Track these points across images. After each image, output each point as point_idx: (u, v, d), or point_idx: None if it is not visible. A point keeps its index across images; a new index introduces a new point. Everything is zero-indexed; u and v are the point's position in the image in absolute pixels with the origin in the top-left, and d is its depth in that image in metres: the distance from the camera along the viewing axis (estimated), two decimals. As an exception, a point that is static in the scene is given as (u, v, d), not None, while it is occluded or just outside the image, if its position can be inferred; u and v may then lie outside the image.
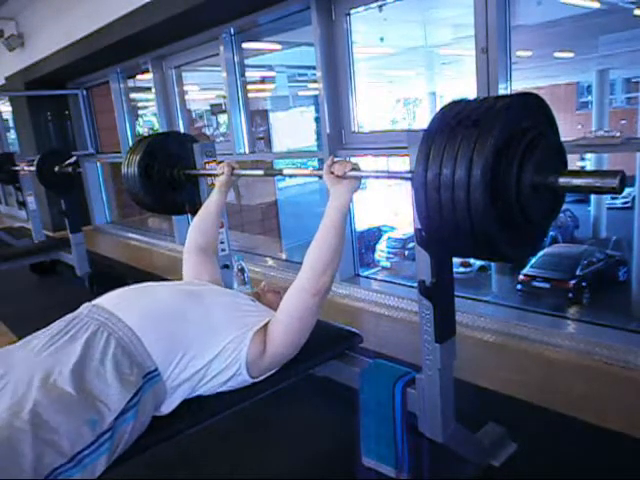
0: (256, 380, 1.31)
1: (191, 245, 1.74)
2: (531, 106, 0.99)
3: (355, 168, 1.33)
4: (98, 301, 1.29)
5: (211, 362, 1.24)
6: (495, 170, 0.89)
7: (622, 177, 0.84)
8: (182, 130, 4.56)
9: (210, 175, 1.95)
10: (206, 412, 1.25)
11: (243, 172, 1.86)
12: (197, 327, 1.26)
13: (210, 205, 1.81)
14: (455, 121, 0.93)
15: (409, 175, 0.97)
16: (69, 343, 1.14)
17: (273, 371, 1.35)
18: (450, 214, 0.91)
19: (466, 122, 0.91)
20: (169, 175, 2.08)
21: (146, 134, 6.20)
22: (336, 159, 1.37)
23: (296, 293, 1.31)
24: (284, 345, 1.32)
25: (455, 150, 0.89)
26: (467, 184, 0.87)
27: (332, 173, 1.34)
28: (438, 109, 1.01)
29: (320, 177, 1.39)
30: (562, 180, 0.92)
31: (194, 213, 2.04)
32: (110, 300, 1.29)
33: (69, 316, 1.24)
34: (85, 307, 1.27)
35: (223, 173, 1.80)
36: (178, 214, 2.29)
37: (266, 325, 1.32)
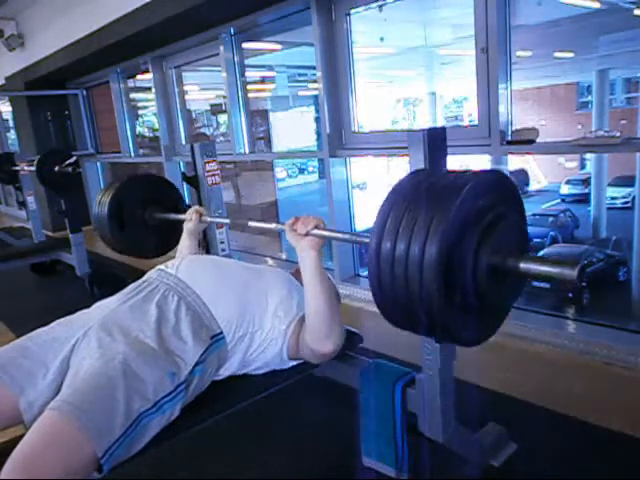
0: (292, 364, 1.40)
1: None
2: (494, 185, 0.95)
3: (318, 227, 1.29)
4: (164, 267, 1.41)
5: (267, 333, 1.34)
6: (451, 248, 0.84)
7: (581, 269, 0.82)
8: (182, 130, 4.56)
9: (180, 220, 1.90)
10: (205, 412, 1.25)
11: (210, 219, 1.85)
12: (257, 298, 1.36)
13: (183, 254, 1.78)
14: (415, 194, 0.90)
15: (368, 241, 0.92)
16: (142, 303, 1.28)
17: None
18: (403, 290, 0.87)
19: (426, 195, 0.88)
20: (141, 219, 2.07)
21: (146, 134, 6.20)
22: (300, 217, 1.33)
23: (313, 352, 1.33)
24: (310, 358, 1.39)
25: (412, 225, 0.85)
26: (421, 262, 0.83)
27: (294, 231, 1.31)
28: (401, 178, 0.96)
29: (284, 231, 1.36)
30: (522, 265, 0.88)
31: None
32: (177, 267, 1.39)
33: (140, 280, 1.38)
34: (154, 271, 1.41)
35: (191, 219, 1.79)
36: (153, 257, 2.25)
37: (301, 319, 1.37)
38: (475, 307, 0.91)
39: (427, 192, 0.89)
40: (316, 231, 1.30)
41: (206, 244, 2.14)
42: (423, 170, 0.97)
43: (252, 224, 1.65)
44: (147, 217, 2.07)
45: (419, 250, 0.84)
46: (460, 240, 0.86)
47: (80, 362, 1.15)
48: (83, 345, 1.19)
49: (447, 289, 0.85)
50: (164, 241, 2.13)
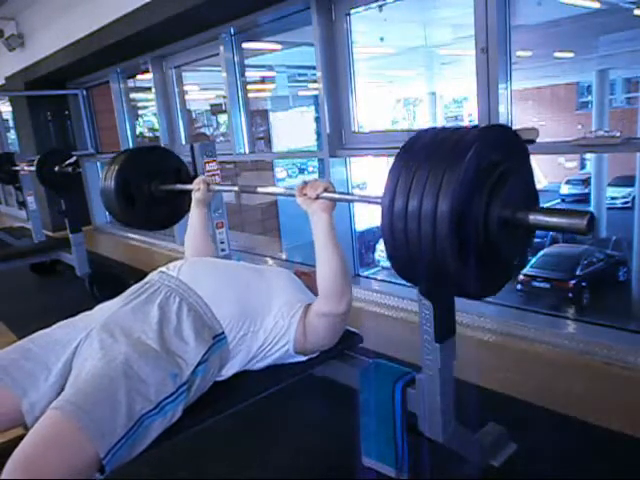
0: (302, 358, 1.41)
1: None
2: (503, 139, 0.96)
3: (328, 189, 1.32)
4: (165, 269, 1.40)
5: (269, 332, 1.34)
6: (463, 203, 0.86)
7: (590, 218, 0.84)
8: (182, 130, 4.56)
9: (186, 191, 1.90)
10: (206, 412, 1.25)
11: (218, 187, 1.85)
12: (259, 299, 1.36)
13: (193, 224, 1.80)
14: (425, 151, 0.92)
15: (379, 201, 0.94)
16: (144, 304, 1.28)
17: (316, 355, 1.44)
18: (416, 246, 0.89)
19: (436, 153, 0.90)
20: (147, 191, 2.05)
21: (146, 134, 6.21)
22: (308, 180, 1.36)
23: (322, 317, 1.35)
24: (320, 344, 1.41)
25: (423, 182, 0.87)
26: (433, 216, 0.85)
27: (305, 195, 1.33)
28: (411, 137, 0.97)
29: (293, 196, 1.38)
30: (532, 217, 0.90)
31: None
32: (179, 269, 1.39)
33: (141, 282, 1.38)
34: (156, 273, 1.40)
35: (199, 189, 1.79)
36: (161, 229, 2.27)
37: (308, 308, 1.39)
38: (487, 260, 0.93)
39: (437, 150, 0.90)
40: (326, 194, 1.32)
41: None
42: (432, 128, 0.97)
43: (261, 190, 1.67)
44: (154, 189, 2.05)
45: (431, 206, 0.85)
46: (471, 195, 0.88)
47: (82, 364, 1.15)
48: (85, 347, 1.19)
49: (460, 243, 0.87)
50: (172, 212, 2.13)
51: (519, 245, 1.00)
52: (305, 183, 1.35)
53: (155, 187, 2.04)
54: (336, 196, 1.34)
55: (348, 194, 1.35)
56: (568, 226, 0.87)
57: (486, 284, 0.98)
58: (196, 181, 1.82)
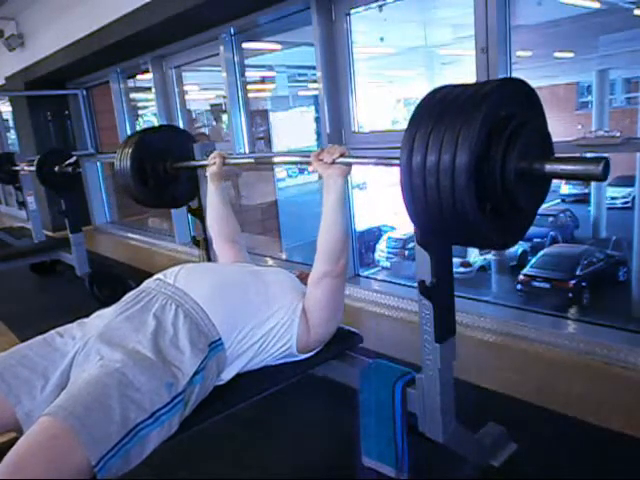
0: (303, 356, 1.41)
1: (217, 241, 1.81)
2: (517, 91, 0.97)
3: (344, 155, 1.35)
4: (162, 276, 1.40)
5: (268, 333, 1.34)
6: (480, 156, 0.88)
7: (605, 164, 0.84)
8: (182, 130, 4.56)
9: (201, 167, 1.92)
10: (206, 412, 1.25)
11: (234, 161, 1.86)
12: (257, 300, 1.36)
13: (212, 200, 1.81)
14: (440, 107, 0.92)
15: (397, 162, 0.95)
16: (140, 313, 1.27)
17: (317, 349, 1.45)
18: (435, 200, 0.90)
19: (451, 107, 0.90)
20: (162, 169, 2.06)
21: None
22: (325, 147, 1.39)
23: (320, 281, 1.37)
24: (324, 327, 1.42)
25: (440, 136, 0.88)
26: (452, 170, 0.86)
27: (321, 160, 1.36)
28: (426, 94, 0.99)
29: (309, 164, 1.41)
30: (548, 167, 0.91)
31: (192, 212, 2.04)
32: (175, 275, 1.39)
33: (138, 289, 1.37)
34: (152, 280, 1.39)
35: (214, 164, 1.79)
36: (176, 207, 2.29)
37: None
38: (506, 211, 0.95)
39: (453, 104, 0.91)
40: (342, 159, 1.35)
41: (207, 250, 2.13)
42: (446, 86, 0.99)
43: (277, 159, 1.69)
44: (169, 167, 2.05)
45: (449, 160, 0.86)
46: (488, 147, 0.89)
47: (80, 374, 1.14)
48: (82, 356, 1.18)
49: (479, 195, 0.88)
50: (189, 189, 2.14)
51: (537, 194, 1.01)
52: (322, 149, 1.38)
53: (170, 164, 2.04)
54: (352, 160, 1.36)
55: (364, 157, 1.38)
56: (583, 172, 0.87)
57: (506, 233, 1.00)
58: (212, 155, 1.82)
